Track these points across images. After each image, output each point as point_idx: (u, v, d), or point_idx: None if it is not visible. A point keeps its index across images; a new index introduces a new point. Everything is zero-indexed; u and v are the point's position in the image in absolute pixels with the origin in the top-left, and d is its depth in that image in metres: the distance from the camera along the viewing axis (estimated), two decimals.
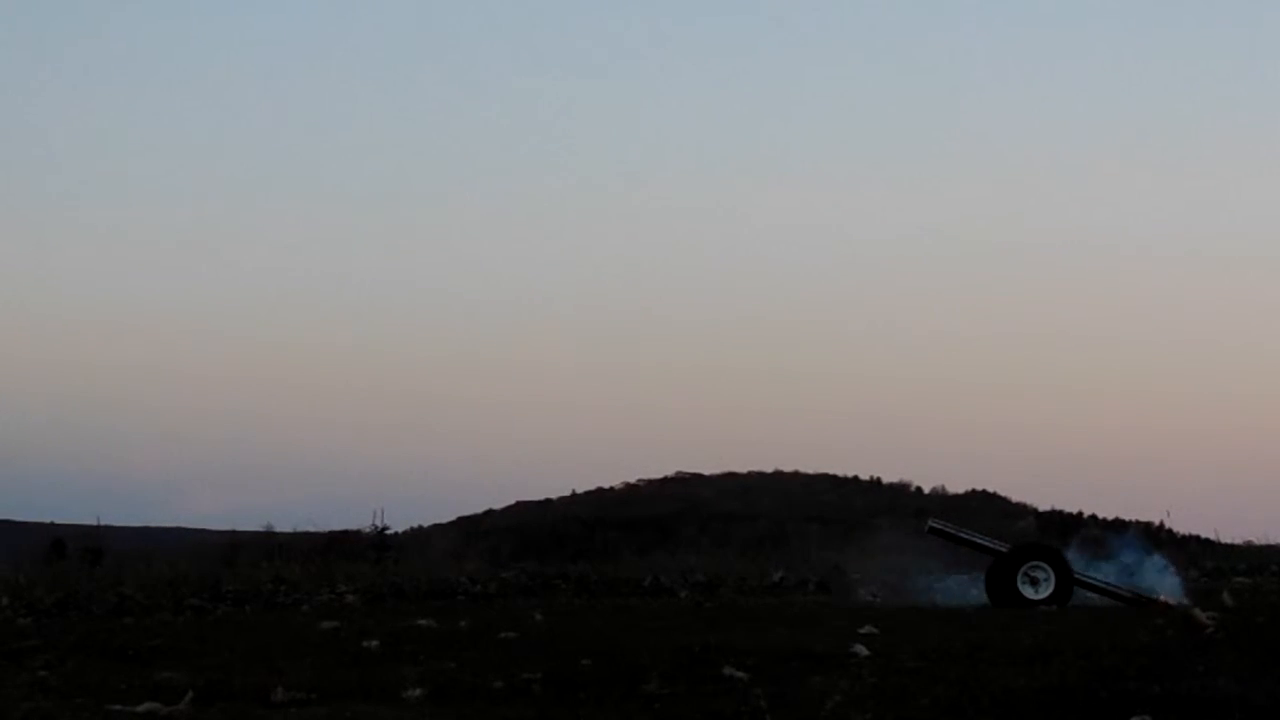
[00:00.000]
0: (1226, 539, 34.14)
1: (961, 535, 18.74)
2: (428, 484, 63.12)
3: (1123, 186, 77.38)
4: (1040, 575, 17.50)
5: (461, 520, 53.23)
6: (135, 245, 77.65)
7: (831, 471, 58.03)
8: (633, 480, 59.66)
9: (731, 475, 56.97)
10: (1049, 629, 12.95)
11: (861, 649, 11.29)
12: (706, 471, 58.11)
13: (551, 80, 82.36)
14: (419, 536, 44.78)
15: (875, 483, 57.75)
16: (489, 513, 55.92)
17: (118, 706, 9.32)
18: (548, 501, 57.90)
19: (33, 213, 78.31)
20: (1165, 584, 18.26)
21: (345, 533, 33.54)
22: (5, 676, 10.81)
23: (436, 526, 49.88)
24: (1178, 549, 32.92)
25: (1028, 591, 17.39)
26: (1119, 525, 42.69)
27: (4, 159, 78.82)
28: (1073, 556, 18.41)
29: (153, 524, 45.63)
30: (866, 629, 12.48)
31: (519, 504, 57.35)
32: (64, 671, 11.06)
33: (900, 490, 55.28)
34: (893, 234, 76.67)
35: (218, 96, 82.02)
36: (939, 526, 18.80)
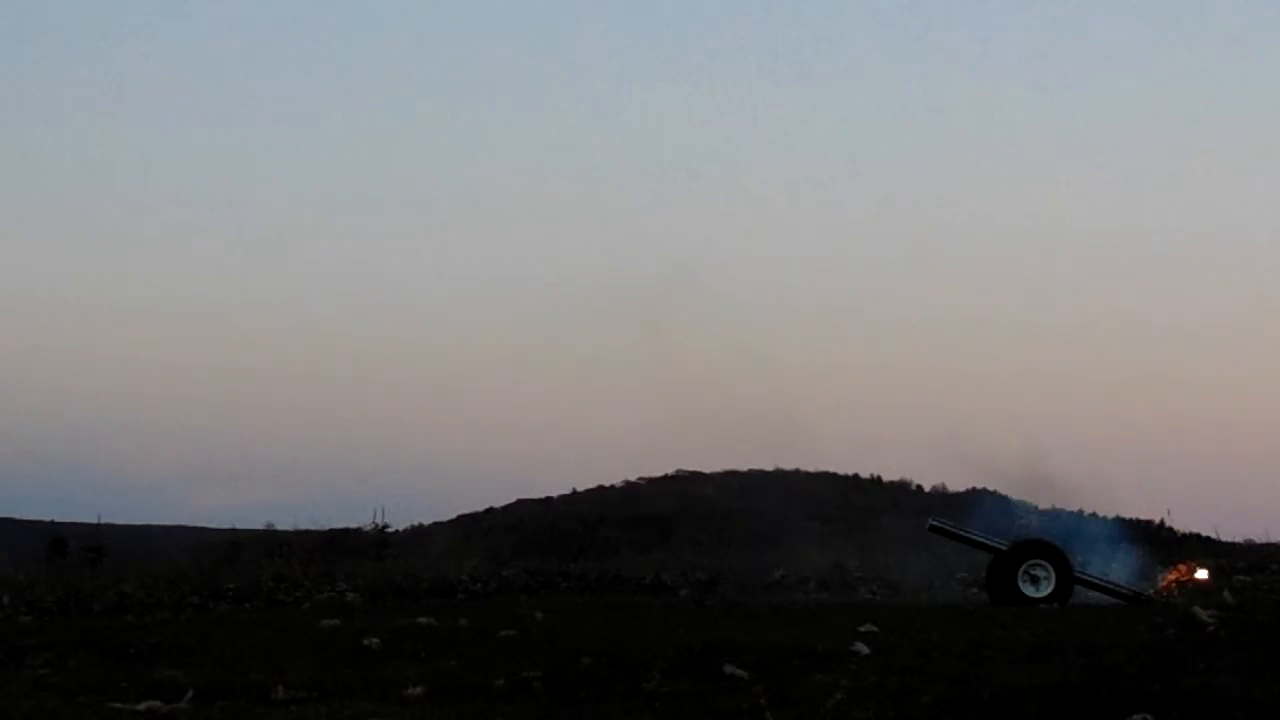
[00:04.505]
0: (1227, 537, 34.24)
1: (962, 533, 18.76)
2: (428, 482, 63.11)
3: (1124, 180, 77.27)
4: (1040, 573, 17.52)
5: (462, 518, 53.18)
6: (136, 242, 77.59)
7: (832, 470, 57.96)
8: (633, 478, 59.59)
9: (732, 473, 56.85)
10: (1049, 627, 12.96)
11: (862, 647, 11.29)
12: (707, 469, 58.02)
13: (554, 63, 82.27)
14: (420, 534, 44.77)
15: (876, 481, 57.67)
16: (489, 511, 55.83)
17: (119, 704, 9.32)
18: (548, 499, 57.78)
19: (32, 210, 78.31)
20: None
21: (346, 531, 33.60)
22: (7, 674, 10.82)
23: (437, 524, 49.81)
24: (1178, 547, 33.00)
25: (1028, 589, 17.41)
26: (1119, 523, 42.75)
27: (5, 156, 78.78)
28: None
29: (154, 522, 45.63)
30: (867, 627, 12.48)
31: (519, 502, 57.26)
32: (65, 669, 11.07)
33: (901, 488, 55.21)
34: (887, 225, 76.59)
35: (231, 94, 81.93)
36: (939, 524, 18.82)
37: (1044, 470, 22.87)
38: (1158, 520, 41.36)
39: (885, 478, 57.01)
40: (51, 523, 38.60)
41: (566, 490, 58.29)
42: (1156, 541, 34.93)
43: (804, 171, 77.70)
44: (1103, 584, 18.11)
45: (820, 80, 79.44)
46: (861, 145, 79.12)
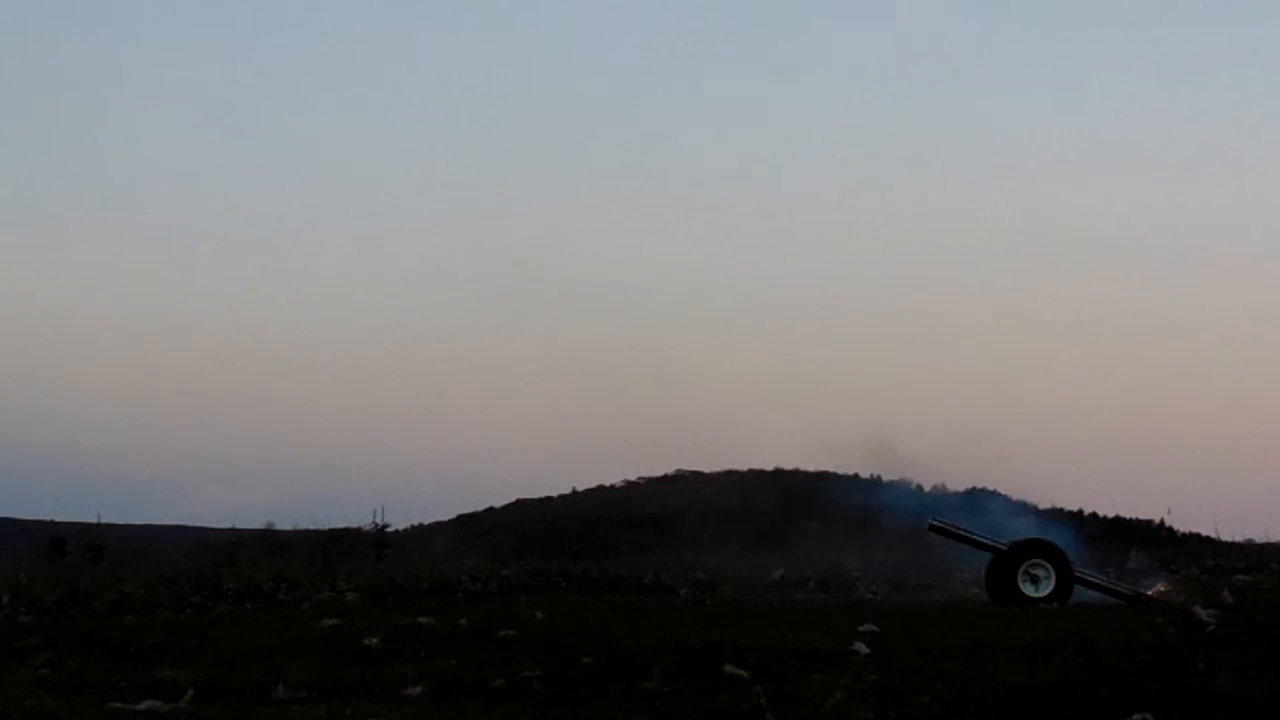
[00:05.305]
0: (1227, 537, 34.24)
1: (962, 533, 18.75)
2: (428, 481, 63.01)
3: (1123, 178, 77.25)
4: (1040, 573, 17.51)
5: (462, 518, 53.15)
6: (135, 241, 77.52)
7: (832, 469, 57.96)
8: (633, 478, 59.57)
9: (732, 473, 56.87)
10: (1049, 626, 12.95)
11: (862, 646, 11.29)
12: (707, 469, 58.01)
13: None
14: (419, 534, 44.73)
15: (875, 481, 57.70)
16: (489, 510, 55.82)
17: (119, 704, 9.34)
18: (548, 499, 57.79)
19: (33, 208, 78.29)
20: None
21: (346, 530, 33.55)
22: (7, 674, 10.83)
23: (437, 524, 49.78)
24: (1178, 546, 33.04)
25: (1028, 589, 17.41)
26: (1118, 523, 42.79)
27: (4, 155, 78.77)
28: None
29: (153, 522, 45.56)
30: (867, 627, 12.48)
31: (519, 502, 57.23)
32: (65, 669, 11.08)
33: (901, 488, 55.21)
34: (886, 222, 76.56)
35: (232, 92, 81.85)
36: (939, 524, 18.81)
37: (890, 447, 23.53)
38: (1158, 520, 41.45)
39: (885, 477, 57.02)
40: (51, 523, 38.56)
41: (566, 490, 58.33)
42: (1156, 541, 35.00)
43: (797, 168, 77.74)
44: (1103, 584, 18.12)
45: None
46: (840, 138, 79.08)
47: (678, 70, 78.45)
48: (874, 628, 12.49)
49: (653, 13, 78.73)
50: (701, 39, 78.51)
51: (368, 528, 32.62)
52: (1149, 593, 18.42)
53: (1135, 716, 8.16)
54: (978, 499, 24.97)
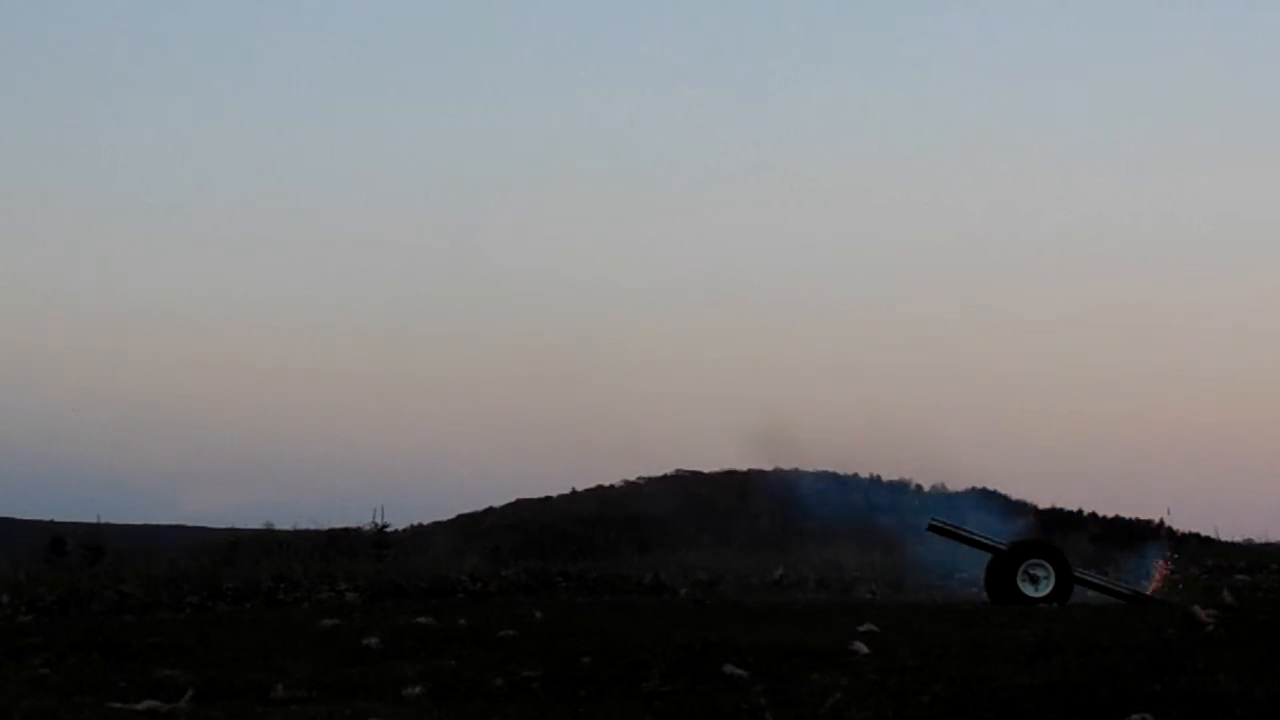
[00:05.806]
0: (1226, 537, 34.25)
1: (961, 533, 18.76)
2: (428, 481, 63.11)
3: (1120, 177, 77.24)
4: (1040, 573, 17.53)
5: (462, 518, 53.20)
6: (134, 241, 77.58)
7: (831, 469, 57.95)
8: (633, 478, 59.62)
9: (732, 473, 56.90)
10: (1049, 626, 12.95)
11: (861, 646, 11.29)
12: (706, 469, 58.06)
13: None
14: (419, 534, 44.74)
15: (875, 480, 57.66)
16: (489, 510, 55.92)
17: (118, 704, 9.33)
18: (548, 499, 57.87)
19: (30, 208, 78.31)
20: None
21: (345, 530, 33.52)
22: (6, 674, 10.82)
23: (437, 524, 49.83)
24: (1177, 546, 33.05)
25: (1027, 589, 17.43)
26: (1119, 523, 42.82)
27: (4, 155, 78.73)
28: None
29: (153, 521, 45.67)
30: (866, 626, 12.47)
31: (519, 501, 57.32)
32: (64, 669, 11.07)
33: (900, 488, 55.17)
34: (884, 224, 76.61)
35: (251, 95, 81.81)
36: (939, 524, 18.82)
37: (789, 435, 23.86)
38: (1158, 520, 41.47)
39: (885, 477, 56.95)
40: (51, 522, 38.58)
41: (566, 490, 58.38)
42: (1155, 541, 34.95)
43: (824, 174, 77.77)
44: (1102, 584, 18.14)
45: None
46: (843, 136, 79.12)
47: (660, 81, 78.73)
48: (874, 628, 12.48)
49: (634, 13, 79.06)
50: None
51: (367, 527, 32.55)
52: (1148, 591, 18.45)
53: (1135, 716, 8.16)
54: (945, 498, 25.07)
